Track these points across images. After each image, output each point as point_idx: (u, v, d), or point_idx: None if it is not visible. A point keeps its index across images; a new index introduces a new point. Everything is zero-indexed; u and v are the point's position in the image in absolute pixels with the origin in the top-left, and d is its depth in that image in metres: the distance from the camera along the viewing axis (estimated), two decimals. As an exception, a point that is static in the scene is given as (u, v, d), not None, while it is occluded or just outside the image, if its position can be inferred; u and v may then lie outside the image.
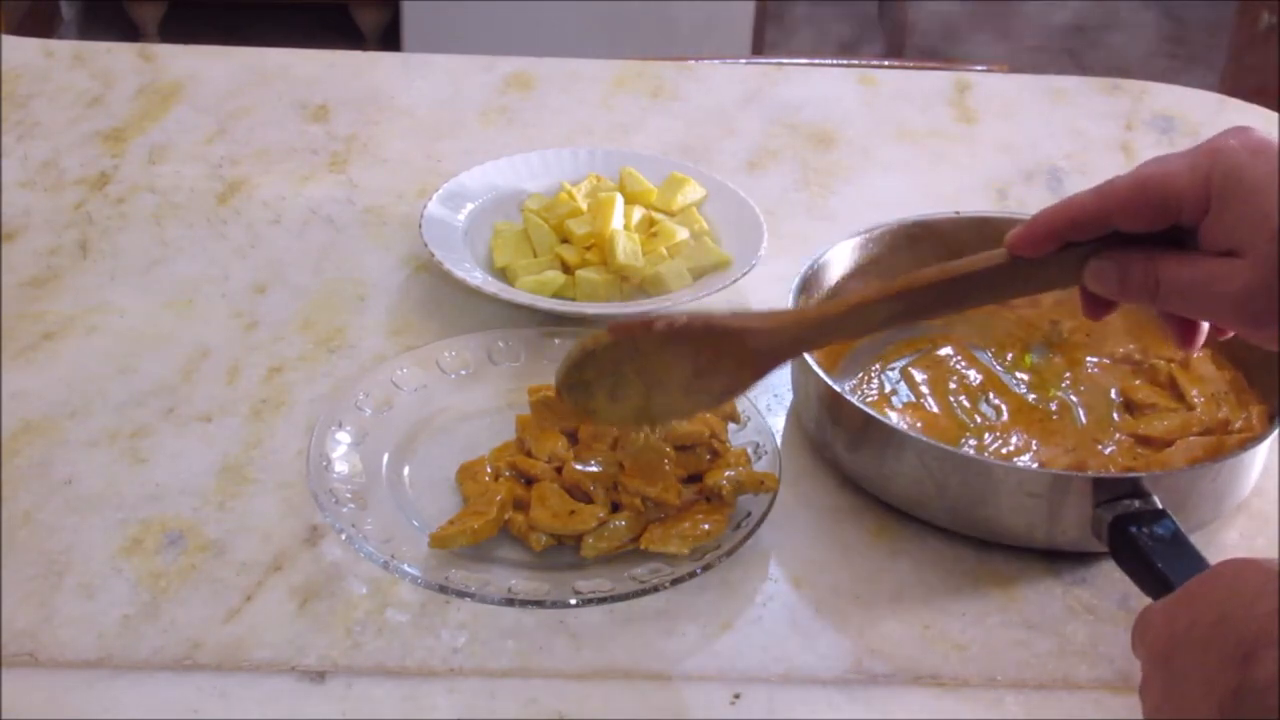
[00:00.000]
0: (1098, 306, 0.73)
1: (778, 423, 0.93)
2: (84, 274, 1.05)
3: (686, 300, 1.00)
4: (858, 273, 0.98)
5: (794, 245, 1.06)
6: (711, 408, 0.83)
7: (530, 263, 1.04)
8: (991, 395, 0.92)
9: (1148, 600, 0.77)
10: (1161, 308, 0.70)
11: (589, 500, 0.82)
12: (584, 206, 1.07)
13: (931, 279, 0.73)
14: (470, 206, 1.09)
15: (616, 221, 1.05)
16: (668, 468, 0.83)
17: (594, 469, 0.83)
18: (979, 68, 1.48)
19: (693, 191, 1.10)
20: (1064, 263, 0.70)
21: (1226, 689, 0.60)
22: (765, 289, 1.03)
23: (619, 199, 1.07)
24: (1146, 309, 0.72)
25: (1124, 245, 0.69)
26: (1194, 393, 0.91)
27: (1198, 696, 0.62)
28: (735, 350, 0.76)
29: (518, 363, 0.94)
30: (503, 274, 1.04)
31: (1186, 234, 0.68)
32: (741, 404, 0.89)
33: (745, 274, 1.02)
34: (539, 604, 0.78)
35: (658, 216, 1.09)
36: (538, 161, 1.13)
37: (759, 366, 0.77)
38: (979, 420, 0.90)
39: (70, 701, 0.74)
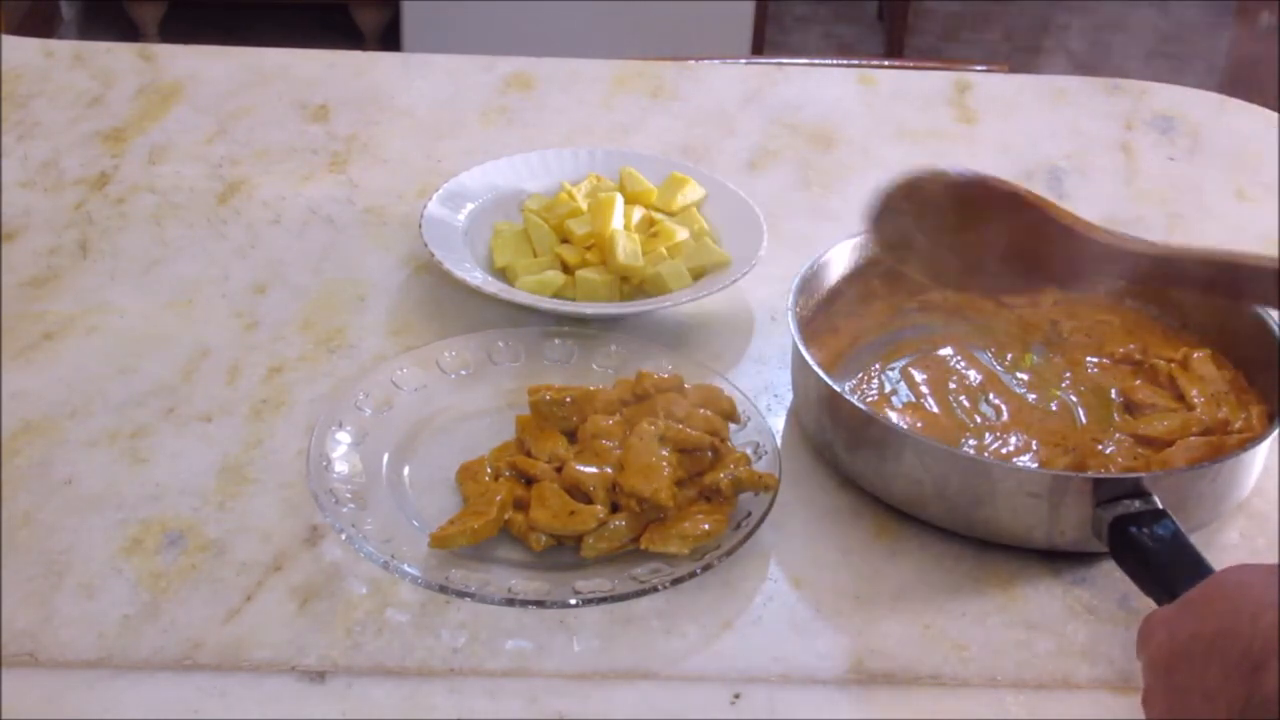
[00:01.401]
0: None
1: (778, 423, 0.93)
2: (84, 274, 1.05)
3: (686, 300, 1.00)
4: (858, 273, 0.98)
5: (794, 245, 1.06)
6: (1011, 293, 0.87)
7: (530, 263, 1.04)
8: (991, 395, 0.92)
9: (1148, 600, 0.77)
10: None
11: (589, 500, 0.82)
12: (584, 206, 1.07)
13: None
14: (470, 206, 1.09)
15: (616, 221, 1.05)
16: (665, 469, 0.83)
17: (593, 469, 0.83)
18: (979, 68, 1.48)
19: (693, 191, 1.10)
20: None
21: (1233, 701, 0.60)
22: (765, 288, 1.03)
23: (619, 199, 1.07)
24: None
25: None
26: (1194, 393, 0.91)
27: (1202, 708, 0.62)
28: (1067, 251, 0.79)
29: (518, 363, 0.94)
30: (503, 274, 1.04)
31: None
32: (741, 404, 0.89)
33: (745, 274, 1.02)
34: (539, 604, 0.78)
35: (658, 216, 1.08)
36: (538, 161, 1.13)
37: (1081, 276, 0.81)
38: (979, 420, 0.90)
39: (70, 701, 0.74)
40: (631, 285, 1.03)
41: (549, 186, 1.11)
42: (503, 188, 1.11)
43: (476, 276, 1.01)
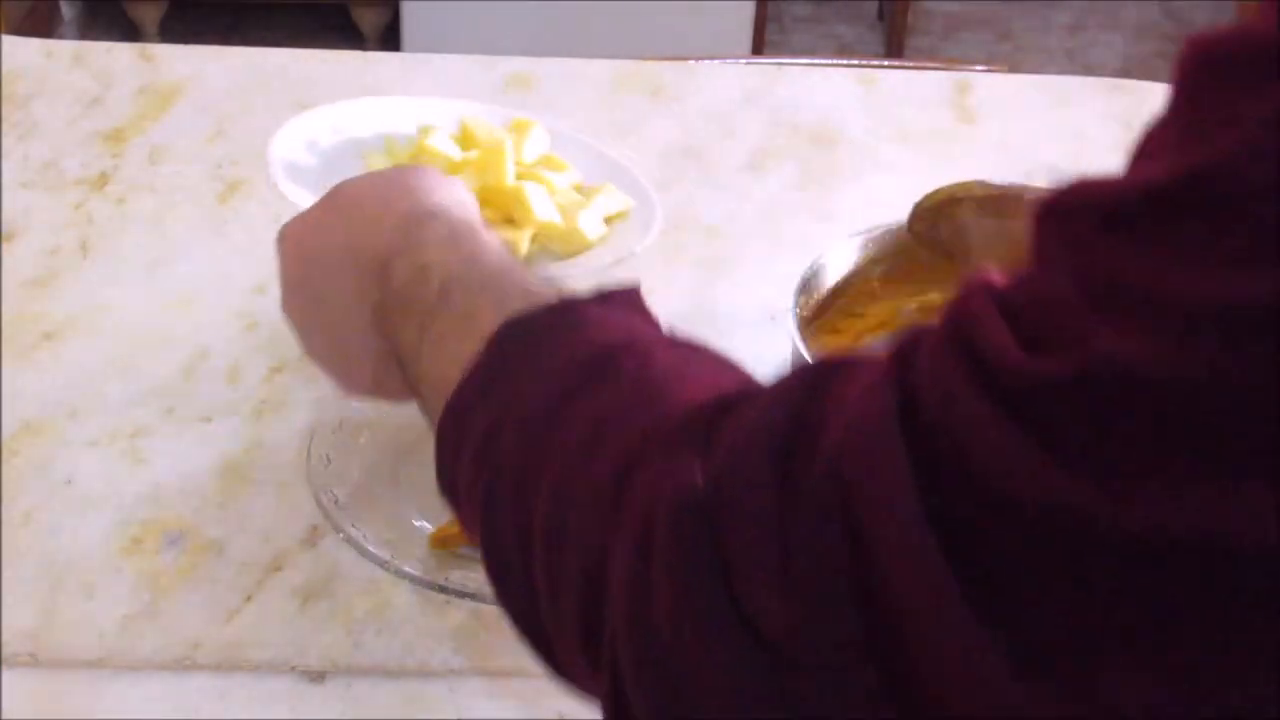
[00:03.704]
0: None
1: (778, 423, 0.93)
2: (84, 274, 1.05)
3: (610, 261, 0.90)
4: (858, 273, 0.98)
5: (794, 245, 1.06)
6: None
7: None
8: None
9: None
10: None
11: (589, 500, 0.82)
12: (456, 158, 0.94)
13: None
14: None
15: (510, 172, 0.93)
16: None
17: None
18: (979, 68, 1.48)
19: (540, 139, 0.99)
20: None
21: (373, 302, 0.65)
22: (765, 288, 1.03)
23: (508, 143, 0.94)
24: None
25: None
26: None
27: (347, 313, 0.67)
28: None
29: (518, 363, 0.94)
30: None
31: None
32: (741, 404, 0.89)
33: (658, 221, 0.93)
34: (539, 604, 0.78)
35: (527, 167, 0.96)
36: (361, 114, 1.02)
37: None
38: (979, 420, 0.90)
39: (70, 701, 0.74)
40: (548, 243, 0.92)
41: (385, 139, 0.99)
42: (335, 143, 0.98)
43: None
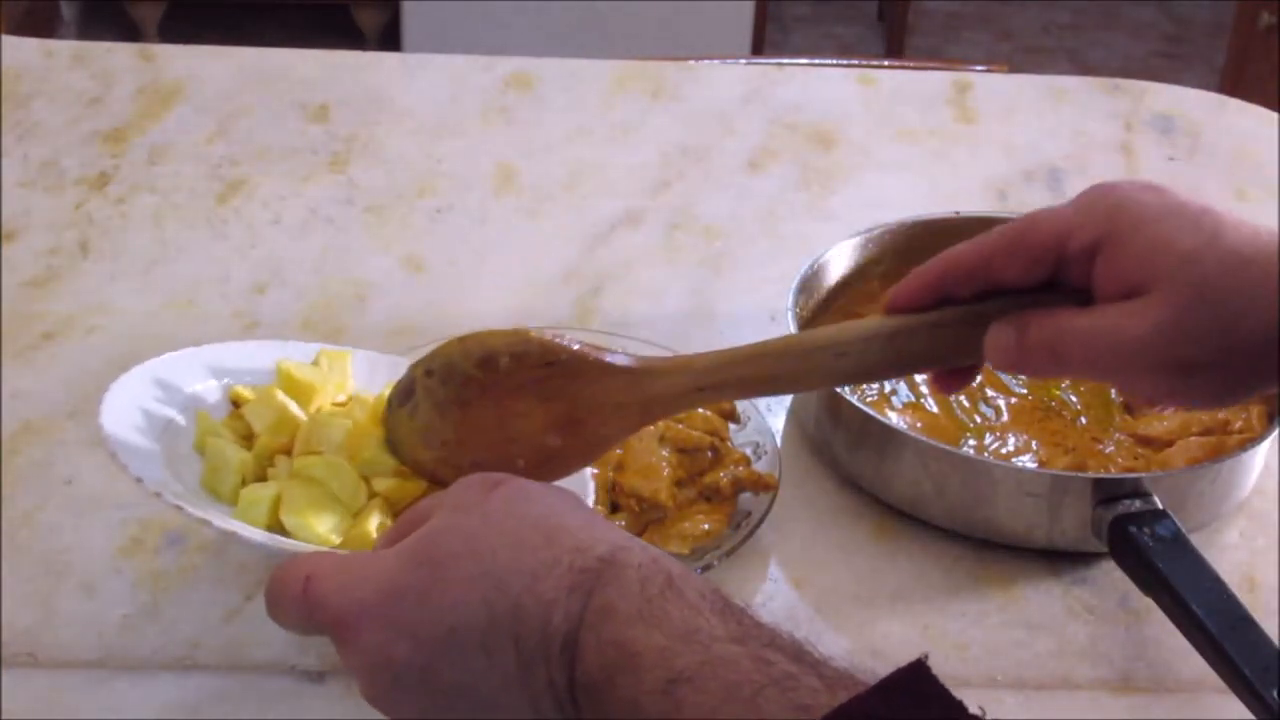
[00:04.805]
0: (952, 379, 0.69)
1: (778, 423, 0.93)
2: (84, 274, 1.05)
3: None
4: (858, 273, 0.98)
5: (794, 245, 1.06)
6: (570, 468, 0.71)
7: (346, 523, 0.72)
8: (991, 395, 0.92)
9: (1148, 600, 0.77)
10: (1066, 369, 0.65)
11: (589, 500, 0.82)
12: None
13: (816, 343, 0.67)
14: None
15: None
16: (665, 469, 0.82)
17: (592, 470, 0.83)
18: (979, 68, 1.48)
19: (375, 369, 0.83)
20: (951, 328, 0.66)
21: (539, 688, 0.53)
22: (765, 288, 1.03)
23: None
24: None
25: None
26: (1194, 393, 0.91)
27: (499, 708, 0.53)
28: (622, 393, 0.68)
29: (518, 363, 0.94)
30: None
31: (1083, 297, 0.64)
32: (741, 404, 0.89)
33: None
34: (539, 604, 0.77)
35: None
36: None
37: (649, 413, 0.69)
38: (979, 420, 0.90)
39: (70, 701, 0.73)
40: None
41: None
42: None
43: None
